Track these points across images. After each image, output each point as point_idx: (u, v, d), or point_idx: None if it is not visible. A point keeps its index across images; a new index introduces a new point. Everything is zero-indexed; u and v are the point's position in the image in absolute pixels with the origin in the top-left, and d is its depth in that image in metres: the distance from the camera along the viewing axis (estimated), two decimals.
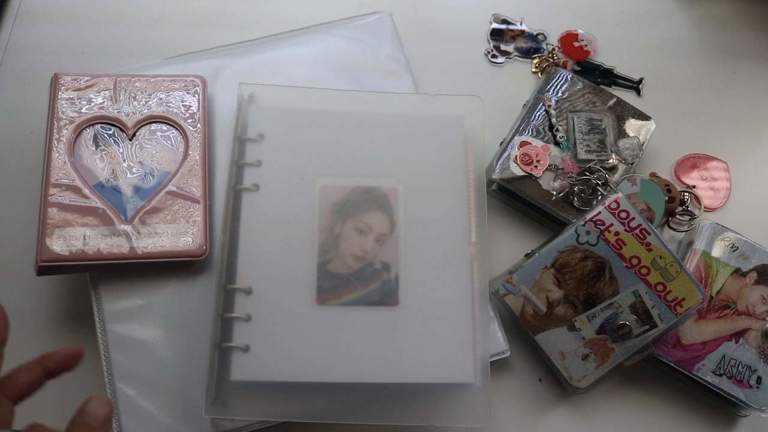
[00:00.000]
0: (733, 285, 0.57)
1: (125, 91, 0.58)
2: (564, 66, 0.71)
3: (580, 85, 0.65)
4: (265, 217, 0.54)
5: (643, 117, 0.64)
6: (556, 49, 0.72)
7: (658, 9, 0.76)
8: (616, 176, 0.61)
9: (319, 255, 0.53)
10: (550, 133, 0.63)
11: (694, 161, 0.67)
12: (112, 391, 0.51)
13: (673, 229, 0.63)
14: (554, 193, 0.61)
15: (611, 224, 0.56)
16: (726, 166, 0.67)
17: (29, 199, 0.59)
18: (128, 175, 0.55)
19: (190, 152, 0.57)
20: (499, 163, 0.61)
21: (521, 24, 0.74)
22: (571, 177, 0.61)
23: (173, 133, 0.58)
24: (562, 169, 0.61)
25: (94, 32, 0.70)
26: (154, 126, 0.58)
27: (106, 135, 0.57)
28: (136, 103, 0.58)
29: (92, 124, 0.57)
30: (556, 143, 0.62)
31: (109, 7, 0.71)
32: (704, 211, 0.65)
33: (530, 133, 0.63)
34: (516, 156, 0.61)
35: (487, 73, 0.71)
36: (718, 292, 0.57)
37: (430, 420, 0.52)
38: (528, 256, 0.57)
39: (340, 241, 0.54)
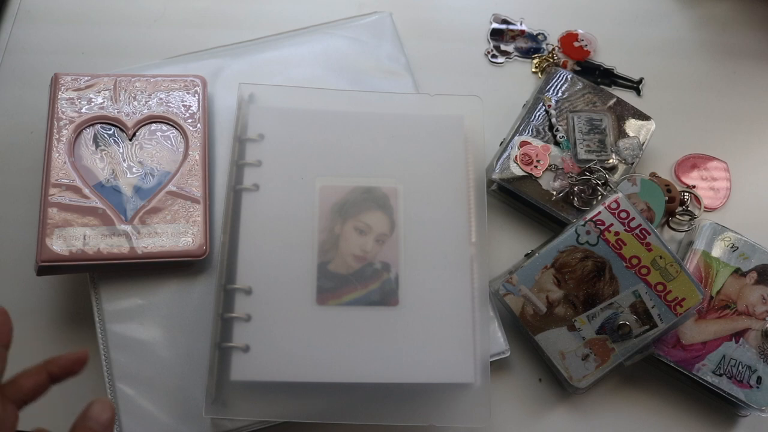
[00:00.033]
0: (733, 285, 0.57)
1: (125, 91, 0.58)
2: (564, 66, 0.71)
3: (580, 85, 0.65)
4: (265, 217, 0.54)
5: (643, 117, 0.64)
6: (556, 49, 0.72)
7: (658, 9, 0.76)
8: (616, 176, 0.61)
9: (319, 255, 0.53)
10: (550, 133, 0.63)
11: (694, 161, 0.67)
12: (112, 391, 0.51)
13: (673, 229, 0.63)
14: (554, 193, 0.61)
15: (611, 224, 0.56)
16: (726, 166, 0.67)
17: (29, 199, 0.59)
18: (128, 175, 0.55)
19: (190, 152, 0.57)
20: (499, 163, 0.61)
21: (521, 24, 0.74)
22: (571, 177, 0.61)
23: (173, 133, 0.58)
24: (562, 169, 0.61)
25: (94, 32, 0.70)
26: (154, 126, 0.58)
27: (106, 135, 0.57)
28: (136, 103, 0.58)
29: (92, 124, 0.57)
30: (556, 143, 0.62)
31: (109, 7, 0.71)
32: (704, 211, 0.65)
33: (530, 133, 0.63)
34: (516, 156, 0.61)
35: (487, 73, 0.71)
36: (718, 292, 0.57)
37: (430, 420, 0.52)
38: (528, 256, 0.57)
39: (340, 241, 0.54)
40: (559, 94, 0.64)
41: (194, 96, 0.59)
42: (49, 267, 0.52)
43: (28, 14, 0.71)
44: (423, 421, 0.52)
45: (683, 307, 0.54)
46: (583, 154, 0.62)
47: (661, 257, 0.55)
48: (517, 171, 0.61)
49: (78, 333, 0.56)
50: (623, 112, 0.64)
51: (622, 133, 0.63)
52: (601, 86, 0.66)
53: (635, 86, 0.71)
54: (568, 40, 0.73)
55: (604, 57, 0.72)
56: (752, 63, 0.73)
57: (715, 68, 0.72)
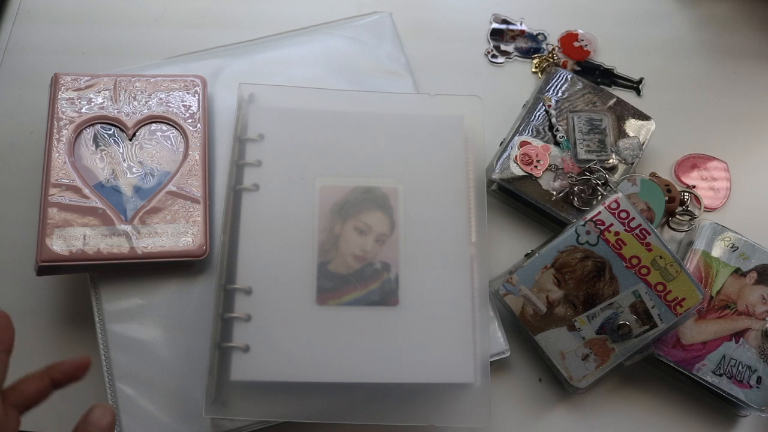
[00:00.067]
0: (733, 285, 0.57)
1: (125, 91, 0.58)
2: (564, 66, 0.71)
3: (580, 85, 0.65)
4: (265, 217, 0.54)
5: (643, 117, 0.64)
6: (556, 49, 0.72)
7: (658, 9, 0.76)
8: (616, 176, 0.61)
9: (319, 255, 0.53)
10: (550, 133, 0.63)
11: (694, 161, 0.67)
12: (112, 391, 0.51)
13: (673, 229, 0.63)
14: (554, 193, 0.61)
15: (611, 224, 0.56)
16: (726, 166, 0.67)
17: (29, 199, 0.59)
18: (128, 175, 0.55)
19: (190, 152, 0.57)
20: (499, 163, 0.61)
21: (521, 24, 0.74)
22: (571, 177, 0.61)
23: (173, 133, 0.58)
24: (562, 169, 0.61)
25: (94, 32, 0.70)
26: (154, 126, 0.58)
27: (106, 135, 0.57)
28: (136, 103, 0.58)
29: (92, 124, 0.57)
30: (556, 143, 0.62)
31: (109, 7, 0.71)
32: (704, 211, 0.65)
33: (530, 133, 0.63)
34: (516, 156, 0.61)
35: (487, 73, 0.71)
36: (718, 292, 0.57)
37: (430, 420, 0.52)
38: (528, 256, 0.57)
39: (340, 241, 0.54)
40: (559, 94, 0.64)
41: (194, 96, 0.59)
42: (49, 267, 0.52)
43: (28, 14, 0.71)
44: (423, 421, 0.52)
45: (683, 307, 0.54)
46: (583, 154, 0.62)
47: (661, 257, 0.55)
48: (517, 171, 0.61)
49: (78, 333, 0.56)
50: (623, 112, 0.64)
51: (622, 133, 0.63)
52: (601, 86, 0.66)
53: (635, 86, 0.71)
54: (568, 40, 0.73)
55: (604, 57, 0.72)
56: (752, 63, 0.73)
57: (715, 68, 0.72)
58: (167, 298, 0.54)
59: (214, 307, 0.52)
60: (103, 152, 0.56)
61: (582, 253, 0.56)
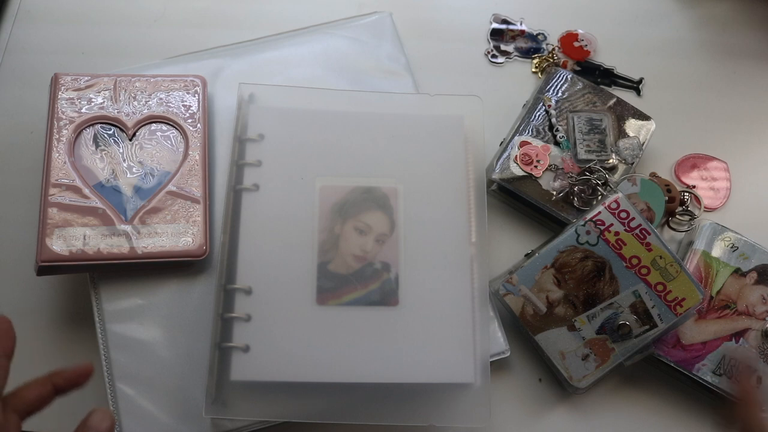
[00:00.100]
0: (733, 285, 0.57)
1: (125, 91, 0.58)
2: (564, 66, 0.71)
3: (580, 85, 0.65)
4: (265, 217, 0.54)
5: (643, 117, 0.64)
6: (556, 49, 0.72)
7: (658, 9, 0.76)
8: (616, 176, 0.61)
9: (319, 255, 0.53)
10: (550, 133, 0.63)
11: (694, 161, 0.67)
12: (112, 391, 0.51)
13: (673, 229, 0.63)
14: (554, 193, 0.61)
15: (611, 224, 0.56)
16: (726, 166, 0.67)
17: (29, 199, 0.59)
18: (128, 175, 0.55)
19: (190, 152, 0.57)
20: (499, 163, 0.61)
21: (521, 24, 0.74)
22: (571, 177, 0.61)
23: (173, 133, 0.58)
24: (562, 169, 0.61)
25: (94, 32, 0.70)
26: (154, 126, 0.58)
27: (106, 135, 0.57)
28: (136, 103, 0.58)
29: (92, 124, 0.57)
30: (556, 143, 0.62)
31: (109, 7, 0.71)
32: (704, 211, 0.65)
33: (530, 133, 0.63)
34: (516, 156, 0.61)
35: (487, 73, 0.71)
36: (718, 292, 0.57)
37: (430, 420, 0.52)
38: (528, 256, 0.57)
39: (340, 241, 0.54)
40: (559, 94, 0.64)
41: (194, 96, 0.59)
42: (49, 267, 0.52)
43: (28, 14, 0.71)
44: (423, 421, 0.52)
45: (683, 307, 0.54)
46: (583, 154, 0.62)
47: (661, 257, 0.55)
48: (517, 171, 0.61)
49: (78, 333, 0.56)
50: (623, 112, 0.64)
51: (622, 133, 0.63)
52: (601, 86, 0.66)
53: (635, 86, 0.71)
54: (568, 40, 0.73)
55: (604, 57, 0.72)
56: (752, 63, 0.73)
57: (715, 68, 0.72)
58: (167, 298, 0.54)
59: (214, 307, 0.52)
60: (103, 152, 0.56)
61: (582, 253, 0.56)
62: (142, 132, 0.57)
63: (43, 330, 0.57)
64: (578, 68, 0.71)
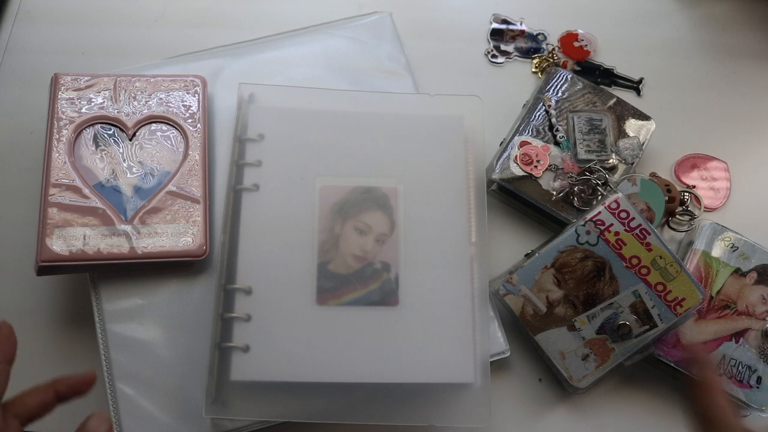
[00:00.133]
0: (733, 285, 0.57)
1: (125, 91, 0.58)
2: (564, 66, 0.71)
3: (580, 85, 0.65)
4: (265, 217, 0.54)
5: (643, 117, 0.64)
6: (556, 49, 0.72)
7: (658, 9, 0.76)
8: (616, 176, 0.61)
9: (319, 255, 0.53)
10: (550, 133, 0.63)
11: (694, 161, 0.67)
12: (112, 391, 0.51)
13: (673, 229, 0.63)
14: (554, 193, 0.61)
15: (611, 224, 0.56)
16: (726, 166, 0.67)
17: (29, 199, 0.59)
18: (128, 175, 0.55)
19: (190, 152, 0.57)
20: (499, 163, 0.61)
21: (521, 24, 0.74)
22: (571, 177, 0.61)
23: (173, 133, 0.58)
24: (562, 169, 0.61)
25: (94, 32, 0.70)
26: (154, 126, 0.58)
27: (106, 135, 0.57)
28: (136, 103, 0.58)
29: (92, 124, 0.57)
30: (556, 143, 0.62)
31: (109, 7, 0.71)
32: (704, 211, 0.65)
33: (530, 133, 0.63)
34: (516, 156, 0.61)
35: (487, 73, 0.71)
36: (718, 292, 0.57)
37: (430, 420, 0.52)
38: (528, 256, 0.57)
39: (340, 241, 0.54)
40: (559, 94, 0.64)
41: (194, 96, 0.59)
42: (49, 267, 0.52)
43: (28, 14, 0.71)
44: (423, 421, 0.52)
45: (683, 307, 0.54)
46: (583, 154, 0.62)
47: (661, 257, 0.55)
48: (517, 171, 0.61)
49: (78, 333, 0.56)
50: (623, 112, 0.64)
51: (622, 133, 0.63)
52: (601, 86, 0.66)
53: (635, 86, 0.71)
54: (568, 40, 0.73)
55: (604, 57, 0.72)
56: (752, 63, 0.73)
57: (715, 68, 0.72)
58: (167, 298, 0.54)
59: (214, 307, 0.52)
60: (103, 152, 0.56)
61: (582, 253, 0.56)
62: (142, 132, 0.57)
63: (43, 330, 0.57)
64: (578, 68, 0.71)
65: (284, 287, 0.52)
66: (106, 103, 0.57)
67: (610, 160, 0.62)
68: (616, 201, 0.56)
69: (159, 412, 0.51)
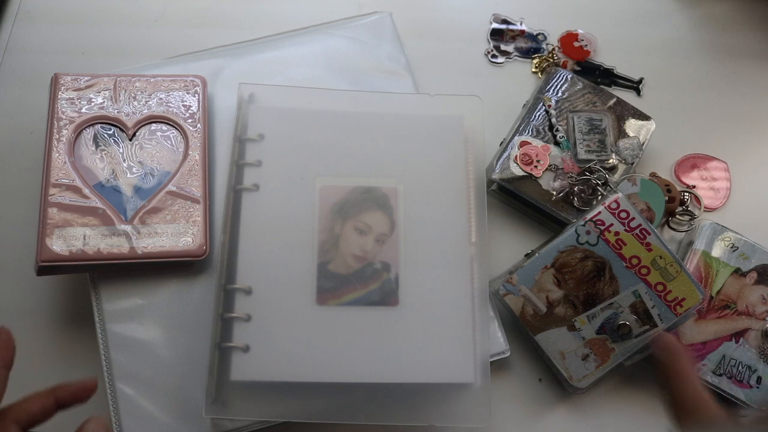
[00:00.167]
0: (733, 285, 0.57)
1: (125, 91, 0.58)
2: (564, 66, 0.71)
3: (580, 85, 0.65)
4: (265, 217, 0.54)
5: (643, 117, 0.64)
6: (556, 49, 0.72)
7: (658, 9, 0.76)
8: (616, 176, 0.61)
9: (319, 255, 0.53)
10: (550, 133, 0.63)
11: (694, 161, 0.67)
12: (112, 391, 0.51)
13: (673, 229, 0.63)
14: (554, 193, 0.61)
15: (611, 224, 0.56)
16: (726, 166, 0.67)
17: (29, 199, 0.59)
18: (128, 175, 0.55)
19: (190, 152, 0.57)
20: (499, 163, 0.61)
21: (521, 24, 0.74)
22: (571, 177, 0.61)
23: (173, 133, 0.58)
24: (562, 169, 0.61)
25: (94, 32, 0.70)
26: (154, 126, 0.58)
27: (106, 135, 0.57)
28: (136, 103, 0.58)
29: (92, 124, 0.57)
30: (556, 143, 0.62)
31: (109, 7, 0.71)
32: (704, 211, 0.65)
33: (530, 133, 0.63)
34: (516, 156, 0.61)
35: (487, 73, 0.71)
36: (718, 292, 0.57)
37: (430, 420, 0.52)
38: (528, 256, 0.57)
39: (340, 241, 0.54)
40: (559, 94, 0.64)
41: (194, 96, 0.59)
42: (49, 267, 0.52)
43: (28, 14, 0.71)
44: (423, 421, 0.52)
45: (683, 307, 0.54)
46: (583, 154, 0.62)
47: (661, 257, 0.55)
48: (517, 171, 0.61)
49: (78, 333, 0.56)
50: (623, 112, 0.64)
51: (622, 133, 0.63)
52: (601, 86, 0.66)
53: (635, 86, 0.71)
54: (568, 40, 0.73)
55: (604, 57, 0.72)
56: (752, 63, 0.73)
57: (715, 68, 0.72)
58: (167, 298, 0.54)
59: (214, 307, 0.52)
60: (103, 152, 0.56)
61: (582, 253, 0.56)
62: (142, 132, 0.57)
63: (43, 330, 0.57)
64: (578, 68, 0.71)
65: (284, 287, 0.52)
66: (106, 103, 0.57)
67: (610, 160, 0.62)
68: (616, 201, 0.56)
69: (159, 412, 0.51)
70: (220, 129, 0.59)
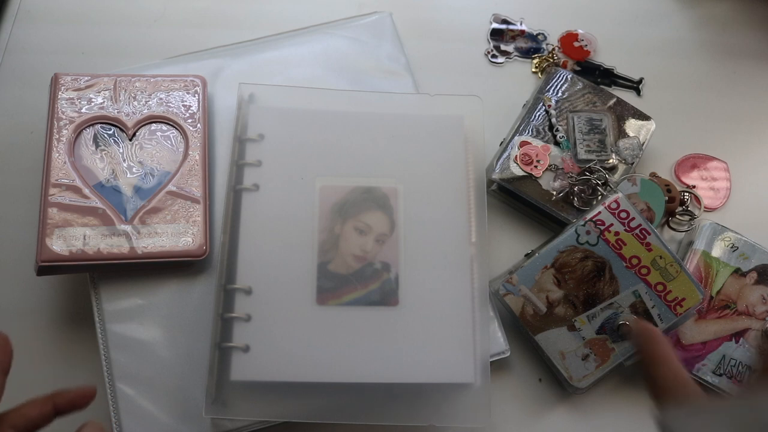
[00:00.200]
0: (733, 285, 0.57)
1: (125, 91, 0.58)
2: (564, 66, 0.71)
3: (580, 85, 0.65)
4: (265, 217, 0.54)
5: (643, 117, 0.64)
6: (556, 49, 0.72)
7: (658, 9, 0.76)
8: (616, 176, 0.61)
9: (319, 255, 0.53)
10: (550, 133, 0.63)
11: (694, 161, 0.67)
12: (112, 391, 0.51)
13: (673, 229, 0.63)
14: (554, 193, 0.61)
15: (611, 224, 0.56)
16: (726, 166, 0.67)
17: (29, 199, 0.59)
18: (128, 175, 0.55)
19: (190, 152, 0.57)
20: (499, 163, 0.61)
21: (521, 24, 0.74)
22: (571, 177, 0.61)
23: (173, 133, 0.58)
24: (562, 169, 0.61)
25: (94, 32, 0.70)
26: (154, 126, 0.58)
27: (106, 135, 0.57)
28: (136, 103, 0.58)
29: (92, 124, 0.57)
30: (556, 143, 0.62)
31: (109, 7, 0.71)
32: (704, 211, 0.65)
33: (530, 133, 0.63)
34: (516, 156, 0.61)
35: (487, 73, 0.71)
36: (718, 292, 0.57)
37: (430, 420, 0.52)
38: (528, 256, 0.57)
39: (340, 241, 0.54)
40: (559, 94, 0.64)
41: (194, 96, 0.59)
42: (49, 267, 0.52)
43: (28, 14, 0.71)
44: (423, 421, 0.52)
45: (683, 307, 0.54)
46: (583, 154, 0.62)
47: (661, 257, 0.55)
48: (517, 171, 0.61)
49: (78, 333, 0.56)
50: (623, 112, 0.64)
51: (622, 133, 0.63)
52: (601, 86, 0.66)
53: (635, 86, 0.71)
54: (568, 40, 0.73)
55: (604, 57, 0.72)
56: (752, 63, 0.73)
57: (715, 68, 0.72)
58: (167, 298, 0.54)
59: (214, 307, 0.52)
60: (103, 152, 0.56)
61: (582, 253, 0.56)
62: (142, 132, 0.57)
63: (43, 330, 0.57)
64: (578, 68, 0.71)
65: (284, 287, 0.52)
66: (106, 103, 0.57)
67: (610, 160, 0.62)
68: (616, 201, 0.56)
69: (159, 412, 0.51)
70: (220, 129, 0.59)
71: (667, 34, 0.74)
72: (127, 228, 0.53)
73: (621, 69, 0.71)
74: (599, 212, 0.56)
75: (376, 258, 0.54)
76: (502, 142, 0.63)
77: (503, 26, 0.74)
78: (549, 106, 0.64)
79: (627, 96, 0.69)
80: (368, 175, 0.56)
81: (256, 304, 0.52)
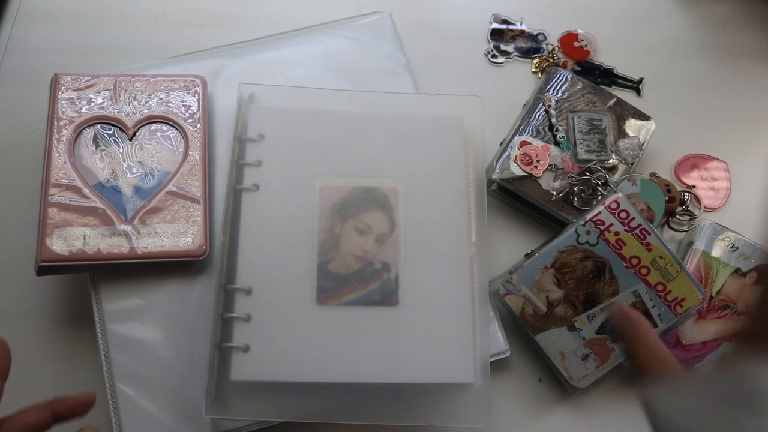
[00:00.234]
0: (733, 285, 0.57)
1: (125, 91, 0.58)
2: (564, 66, 0.71)
3: (580, 85, 0.65)
4: (265, 217, 0.54)
5: (643, 117, 0.64)
6: (556, 49, 0.72)
7: (658, 9, 0.76)
8: (616, 176, 0.61)
9: (319, 255, 0.53)
10: (550, 133, 0.63)
11: (694, 161, 0.67)
12: (112, 391, 0.51)
13: (673, 229, 0.63)
14: (554, 193, 0.61)
15: (611, 224, 0.56)
16: (726, 166, 0.67)
17: (29, 199, 0.59)
18: (128, 175, 0.55)
19: (190, 152, 0.57)
20: (499, 163, 0.61)
21: (521, 24, 0.74)
22: (571, 177, 0.61)
23: (173, 133, 0.58)
24: (562, 169, 0.61)
25: (94, 32, 0.70)
26: (154, 126, 0.58)
27: (106, 135, 0.57)
28: (136, 103, 0.58)
29: (92, 124, 0.57)
30: (556, 143, 0.62)
31: (109, 7, 0.71)
32: (704, 211, 0.65)
33: (530, 133, 0.63)
34: (516, 156, 0.61)
35: (487, 73, 0.71)
36: (718, 292, 0.57)
37: (430, 420, 0.52)
38: (528, 256, 0.57)
39: (340, 241, 0.54)
40: (559, 94, 0.64)
41: (194, 96, 0.59)
42: (49, 267, 0.52)
43: (28, 14, 0.71)
44: (423, 421, 0.52)
45: (683, 307, 0.54)
46: (583, 154, 0.62)
47: (661, 257, 0.55)
48: (517, 171, 0.61)
49: (78, 333, 0.56)
50: (623, 112, 0.64)
51: (622, 133, 0.63)
52: (601, 86, 0.66)
53: (635, 86, 0.71)
54: (568, 40, 0.73)
55: (604, 57, 0.72)
56: (752, 63, 0.73)
57: (715, 68, 0.72)
58: (167, 298, 0.54)
59: (214, 307, 0.52)
60: (103, 152, 0.56)
61: (582, 253, 0.56)
62: (142, 132, 0.57)
63: (43, 330, 0.57)
64: (578, 68, 0.71)
65: (284, 287, 0.52)
66: (106, 103, 0.57)
67: (610, 160, 0.62)
68: (616, 201, 0.56)
69: (159, 412, 0.51)
70: (220, 129, 0.59)
71: (667, 34, 0.74)
72: (127, 228, 0.53)
73: (621, 69, 0.71)
74: (599, 212, 0.56)
75: (376, 258, 0.54)
76: (502, 142, 0.63)
77: (503, 26, 0.74)
78: (549, 106, 0.64)
79: (627, 96, 0.69)
80: (368, 175, 0.56)
81: (256, 304, 0.52)
